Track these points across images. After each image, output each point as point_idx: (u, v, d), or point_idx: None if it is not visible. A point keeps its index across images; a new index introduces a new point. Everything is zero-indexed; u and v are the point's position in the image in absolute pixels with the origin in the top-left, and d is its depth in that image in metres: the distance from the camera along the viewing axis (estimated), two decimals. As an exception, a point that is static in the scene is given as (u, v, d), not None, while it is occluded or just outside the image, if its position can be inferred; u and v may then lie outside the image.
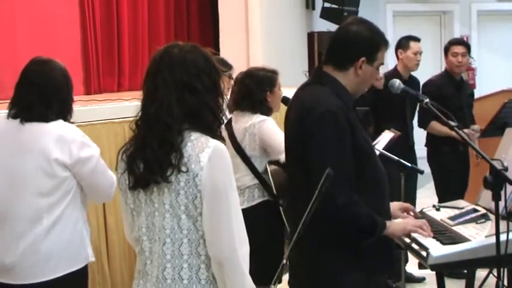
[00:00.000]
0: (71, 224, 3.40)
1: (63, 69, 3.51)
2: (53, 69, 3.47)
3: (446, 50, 6.46)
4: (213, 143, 2.47)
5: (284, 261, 2.63)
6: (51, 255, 3.35)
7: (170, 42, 2.66)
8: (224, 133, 2.71)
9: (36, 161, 3.32)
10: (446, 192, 6.15)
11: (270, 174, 4.56)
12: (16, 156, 3.35)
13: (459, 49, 6.39)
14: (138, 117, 2.55)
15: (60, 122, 3.41)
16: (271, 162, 4.59)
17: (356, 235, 3.02)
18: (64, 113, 3.46)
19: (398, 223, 3.24)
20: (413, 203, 6.08)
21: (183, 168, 2.43)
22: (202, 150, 2.44)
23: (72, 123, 3.51)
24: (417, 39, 6.53)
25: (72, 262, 3.41)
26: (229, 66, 5.13)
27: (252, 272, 4.59)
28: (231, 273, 2.47)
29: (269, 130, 4.54)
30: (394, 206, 3.40)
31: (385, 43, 3.18)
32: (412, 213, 3.48)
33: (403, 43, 6.48)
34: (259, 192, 4.61)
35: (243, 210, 4.52)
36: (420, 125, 6.45)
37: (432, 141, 6.49)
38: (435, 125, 6.20)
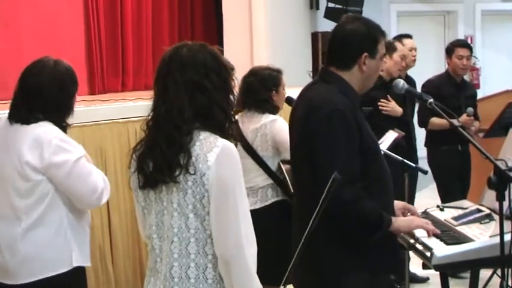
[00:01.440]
0: (52, 226, 3.33)
1: (56, 71, 3.40)
2: (40, 70, 3.39)
3: (450, 51, 6.42)
4: (222, 142, 2.48)
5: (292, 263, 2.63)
6: (30, 258, 3.30)
7: (179, 43, 2.67)
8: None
9: (12, 162, 3.30)
10: (447, 191, 6.14)
11: (285, 173, 4.56)
12: (1, 156, 3.35)
13: (464, 52, 6.36)
14: (149, 118, 2.57)
15: (41, 124, 3.33)
16: (284, 162, 4.59)
17: (363, 231, 3.03)
18: (53, 115, 3.37)
19: (403, 219, 3.26)
20: (412, 203, 6.08)
21: (191, 169, 2.44)
22: (211, 150, 2.45)
23: (69, 125, 3.45)
24: (409, 36, 6.54)
25: (53, 265, 3.32)
26: (232, 68, 5.12)
27: (264, 272, 4.60)
28: (238, 273, 2.46)
29: (280, 129, 4.54)
30: (397, 205, 3.41)
31: (382, 34, 3.22)
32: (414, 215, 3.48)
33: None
34: (272, 192, 4.62)
35: (256, 210, 4.53)
36: (420, 124, 6.43)
37: (431, 141, 6.49)
38: (436, 121, 6.19)
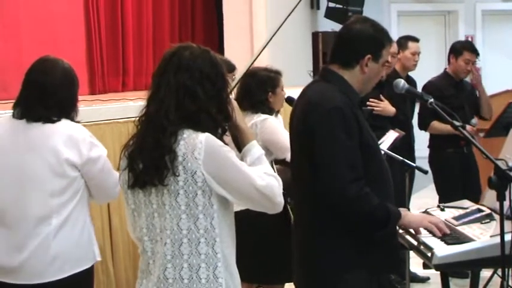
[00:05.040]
0: (79, 223, 3.40)
1: (65, 69, 3.48)
2: (52, 68, 3.44)
3: (458, 53, 6.33)
4: (202, 137, 2.48)
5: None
6: (60, 255, 3.34)
7: (185, 43, 2.67)
8: (228, 138, 2.71)
9: (46, 161, 3.32)
10: (447, 193, 6.12)
11: (276, 173, 4.55)
12: (25, 156, 3.34)
13: (473, 57, 6.30)
14: (142, 113, 2.58)
15: (68, 121, 3.41)
16: (276, 162, 4.57)
17: (370, 227, 3.03)
18: (66, 112, 3.44)
19: (415, 215, 3.30)
20: (408, 203, 6.08)
21: (178, 171, 2.45)
22: (195, 148, 2.46)
23: (78, 122, 3.51)
24: (416, 40, 6.48)
25: (80, 262, 3.41)
26: (232, 68, 5.11)
27: (261, 271, 4.59)
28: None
29: (271, 128, 4.52)
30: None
31: (389, 40, 3.22)
32: None
33: (402, 43, 6.44)
34: None
35: (250, 210, 4.54)
36: (421, 127, 6.38)
37: (436, 142, 6.46)
38: (436, 125, 6.17)
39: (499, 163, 3.12)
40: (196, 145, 2.46)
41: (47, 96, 3.38)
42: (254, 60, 3.89)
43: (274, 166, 4.58)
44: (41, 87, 3.39)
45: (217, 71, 2.58)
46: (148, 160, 2.49)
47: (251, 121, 4.58)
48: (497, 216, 3.32)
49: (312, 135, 3.03)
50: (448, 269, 3.80)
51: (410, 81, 6.34)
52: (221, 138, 2.57)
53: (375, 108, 5.94)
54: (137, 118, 2.59)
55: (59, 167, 3.32)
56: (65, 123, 3.39)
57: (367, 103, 5.90)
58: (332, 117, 3.00)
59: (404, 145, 5.85)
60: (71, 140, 3.35)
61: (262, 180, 2.55)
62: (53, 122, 3.37)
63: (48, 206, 3.33)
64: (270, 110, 4.67)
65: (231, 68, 5.06)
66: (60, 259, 3.34)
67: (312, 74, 9.58)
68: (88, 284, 3.53)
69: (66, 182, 3.35)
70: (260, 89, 4.64)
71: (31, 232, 3.33)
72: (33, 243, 3.33)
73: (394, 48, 5.92)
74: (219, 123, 2.57)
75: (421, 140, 6.57)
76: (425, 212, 3.87)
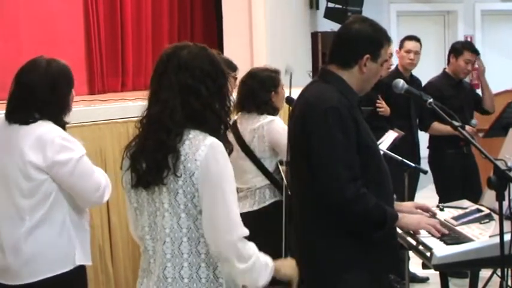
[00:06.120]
0: (56, 225, 3.34)
1: (48, 70, 3.40)
2: (35, 69, 3.39)
3: (458, 53, 6.33)
4: (209, 140, 2.48)
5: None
6: (34, 257, 3.30)
7: (180, 42, 2.66)
8: (230, 135, 2.70)
9: (15, 163, 3.30)
10: (446, 194, 6.12)
11: (282, 174, 4.55)
12: (2, 157, 3.35)
13: (473, 57, 6.32)
14: (144, 115, 2.57)
15: (42, 123, 3.34)
16: (282, 163, 4.58)
17: (368, 228, 3.03)
18: (48, 114, 3.37)
19: (412, 217, 3.29)
20: None
21: (179, 171, 2.44)
22: (199, 149, 2.45)
23: (67, 123, 3.45)
24: (412, 38, 6.50)
25: (57, 265, 3.34)
26: (234, 68, 5.12)
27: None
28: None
29: (278, 130, 4.53)
30: (407, 205, 3.47)
31: (387, 40, 3.23)
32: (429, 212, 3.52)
33: (400, 42, 6.51)
34: (270, 192, 4.61)
35: (254, 211, 4.54)
36: (421, 128, 6.39)
37: (436, 143, 6.45)
38: (437, 126, 6.17)
39: (498, 163, 3.12)
40: (200, 147, 2.46)
41: (25, 98, 3.36)
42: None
43: (280, 167, 4.59)
44: (22, 88, 3.38)
45: (217, 68, 2.59)
46: (151, 161, 2.49)
47: (257, 123, 4.59)
48: (496, 216, 3.33)
49: (309, 135, 3.04)
50: (447, 269, 3.80)
51: (414, 82, 6.35)
52: (224, 134, 2.57)
53: (381, 110, 5.97)
54: (138, 120, 2.58)
55: (24, 169, 3.29)
56: (39, 125, 3.33)
57: (376, 105, 5.92)
58: (329, 117, 3.00)
59: (407, 145, 5.85)
60: (38, 143, 3.28)
61: (244, 232, 2.50)
62: (28, 123, 3.33)
63: (20, 208, 3.31)
64: (274, 110, 4.69)
65: (233, 68, 5.06)
66: (34, 260, 3.31)
67: (311, 74, 9.58)
68: (76, 286, 3.47)
69: (35, 184, 3.30)
70: (263, 89, 4.65)
71: (7, 233, 3.33)
72: (9, 244, 3.32)
73: (391, 49, 5.92)
74: (222, 119, 2.57)
75: (421, 140, 6.57)
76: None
